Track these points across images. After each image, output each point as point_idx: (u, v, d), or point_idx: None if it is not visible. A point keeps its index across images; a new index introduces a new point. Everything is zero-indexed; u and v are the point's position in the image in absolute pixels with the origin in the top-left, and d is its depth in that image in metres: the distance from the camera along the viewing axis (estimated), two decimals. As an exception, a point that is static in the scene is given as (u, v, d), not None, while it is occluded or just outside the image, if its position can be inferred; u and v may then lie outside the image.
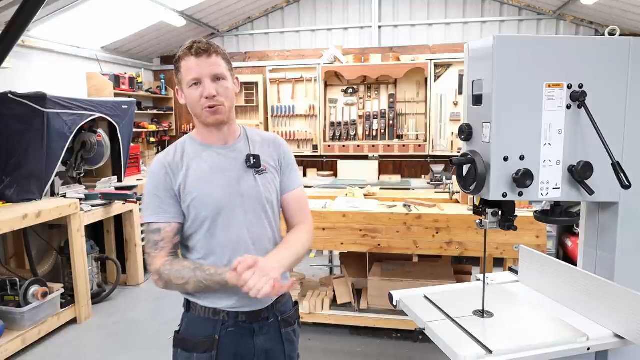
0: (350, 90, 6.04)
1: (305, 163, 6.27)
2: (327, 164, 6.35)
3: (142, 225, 1.51)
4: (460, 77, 5.70)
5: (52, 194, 3.93)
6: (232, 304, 1.49)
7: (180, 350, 1.52)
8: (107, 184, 4.47)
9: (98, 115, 4.22)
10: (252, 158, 1.52)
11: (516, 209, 1.44)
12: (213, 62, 1.42)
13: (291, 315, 1.63)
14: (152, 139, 6.46)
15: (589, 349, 1.31)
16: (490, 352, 1.25)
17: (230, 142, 1.54)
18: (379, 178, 6.09)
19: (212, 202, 1.46)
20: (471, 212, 1.57)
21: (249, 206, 1.50)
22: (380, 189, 4.25)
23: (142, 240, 4.80)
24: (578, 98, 1.33)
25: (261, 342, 1.53)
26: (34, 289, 3.45)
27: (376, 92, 6.03)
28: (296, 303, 1.71)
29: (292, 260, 1.50)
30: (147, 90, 6.23)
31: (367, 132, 6.04)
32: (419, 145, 5.83)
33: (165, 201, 1.46)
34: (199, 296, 1.51)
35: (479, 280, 1.78)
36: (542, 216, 1.51)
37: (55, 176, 3.88)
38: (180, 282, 1.41)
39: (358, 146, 6.00)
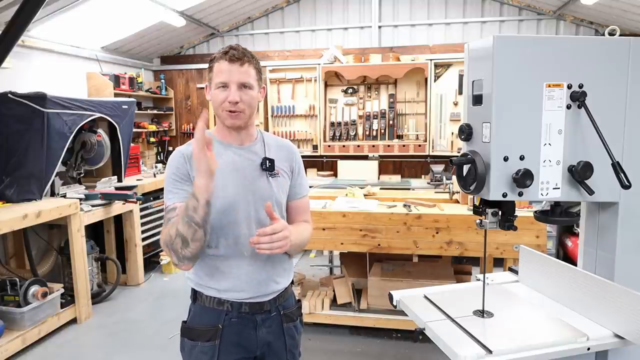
0: (350, 90, 6.04)
1: (305, 163, 6.12)
2: (327, 164, 6.35)
3: (164, 212, 1.52)
4: (460, 77, 5.70)
5: (52, 194, 3.93)
6: (237, 295, 1.54)
7: (187, 339, 1.58)
8: (107, 184, 4.46)
9: (98, 115, 4.22)
10: (267, 161, 1.59)
11: (516, 209, 1.44)
12: (244, 70, 1.48)
13: (293, 312, 1.69)
14: (152, 139, 6.45)
15: (589, 349, 1.31)
16: (490, 352, 1.25)
17: (247, 144, 1.61)
18: (379, 178, 6.08)
19: (224, 197, 1.50)
20: (471, 212, 1.58)
21: (260, 205, 1.54)
22: (380, 189, 4.25)
23: (143, 240, 4.80)
24: (578, 98, 1.32)
25: (263, 334, 1.59)
26: (34, 289, 3.45)
27: (376, 92, 6.03)
28: (299, 301, 1.77)
29: (299, 241, 1.59)
30: (147, 90, 6.23)
31: (367, 132, 6.04)
32: (419, 145, 5.83)
33: (183, 185, 1.51)
34: (205, 286, 1.56)
35: (479, 280, 1.78)
36: (542, 216, 1.51)
37: (55, 176, 3.88)
38: (175, 227, 1.39)
39: (358, 146, 6.00)
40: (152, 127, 6.37)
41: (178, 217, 1.40)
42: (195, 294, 1.60)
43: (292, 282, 1.74)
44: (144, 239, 4.83)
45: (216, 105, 1.51)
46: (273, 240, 1.38)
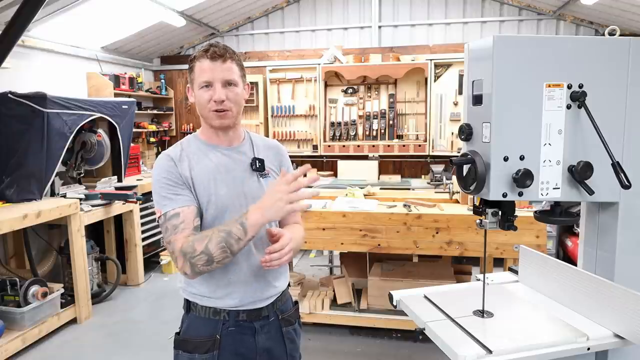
0: (350, 90, 6.04)
1: (305, 163, 6.25)
2: (327, 164, 6.35)
3: (158, 220, 1.44)
4: (460, 77, 5.70)
5: (52, 194, 3.93)
6: (233, 303, 1.50)
7: (182, 351, 1.52)
8: (107, 184, 4.46)
9: (98, 115, 4.22)
10: (257, 162, 1.55)
11: (516, 209, 1.44)
12: (226, 67, 1.45)
13: (291, 315, 1.66)
14: (152, 139, 6.45)
15: (589, 349, 1.31)
16: (490, 352, 1.25)
17: (235, 144, 1.57)
18: (379, 178, 6.08)
19: (217, 200, 1.48)
20: (471, 212, 1.57)
21: None
22: (380, 189, 4.25)
23: (143, 240, 4.80)
24: (578, 98, 1.32)
25: (262, 340, 1.55)
26: (34, 289, 3.45)
27: (376, 92, 6.03)
28: (296, 302, 1.75)
29: (296, 245, 1.54)
30: (147, 90, 6.23)
31: (367, 132, 6.04)
32: (419, 145, 5.83)
33: (179, 187, 1.45)
34: (199, 295, 1.52)
35: (479, 280, 1.78)
36: (542, 216, 1.51)
37: (55, 176, 3.88)
38: (204, 242, 1.34)
39: (358, 146, 6.00)
40: (152, 127, 6.37)
41: (212, 233, 1.36)
42: (188, 305, 1.55)
43: (289, 284, 1.70)
44: (144, 239, 4.83)
45: (201, 106, 1.47)
46: (282, 255, 1.38)
